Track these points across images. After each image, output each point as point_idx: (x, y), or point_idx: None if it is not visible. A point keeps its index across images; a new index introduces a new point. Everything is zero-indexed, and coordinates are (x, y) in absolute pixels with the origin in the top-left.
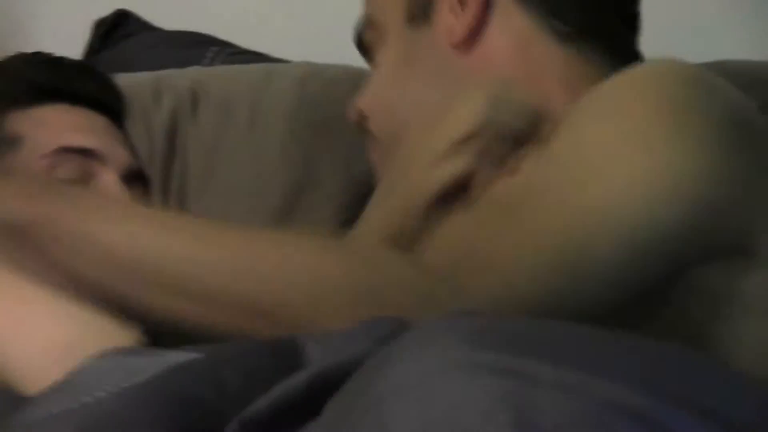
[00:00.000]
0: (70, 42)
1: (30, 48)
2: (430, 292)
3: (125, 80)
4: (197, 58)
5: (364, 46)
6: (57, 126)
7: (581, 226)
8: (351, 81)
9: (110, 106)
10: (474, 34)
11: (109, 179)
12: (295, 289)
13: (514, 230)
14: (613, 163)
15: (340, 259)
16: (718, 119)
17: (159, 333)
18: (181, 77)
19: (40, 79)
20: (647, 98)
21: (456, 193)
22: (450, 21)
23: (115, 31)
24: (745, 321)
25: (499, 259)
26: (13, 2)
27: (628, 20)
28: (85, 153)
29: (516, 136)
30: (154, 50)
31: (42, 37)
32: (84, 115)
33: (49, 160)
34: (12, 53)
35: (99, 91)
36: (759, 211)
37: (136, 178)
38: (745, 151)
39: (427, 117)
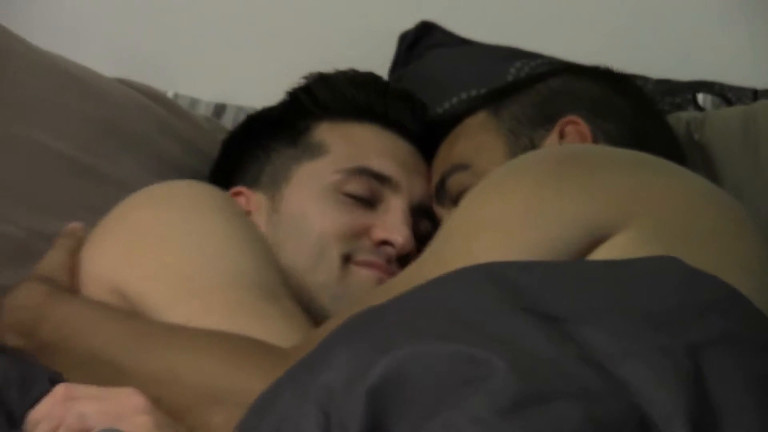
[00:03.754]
0: (376, 55)
1: (337, 62)
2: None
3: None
4: (502, 74)
5: (445, 188)
6: (363, 146)
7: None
8: None
9: (422, 136)
10: None
11: (397, 206)
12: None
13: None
14: None
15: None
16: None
17: None
18: None
19: (360, 98)
20: None
21: None
22: None
23: (419, 43)
24: None
25: None
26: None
27: None
28: (380, 179)
29: None
30: (458, 64)
31: (350, 51)
32: (392, 141)
33: (343, 175)
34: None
35: (413, 121)
36: None
37: (425, 215)
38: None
39: None
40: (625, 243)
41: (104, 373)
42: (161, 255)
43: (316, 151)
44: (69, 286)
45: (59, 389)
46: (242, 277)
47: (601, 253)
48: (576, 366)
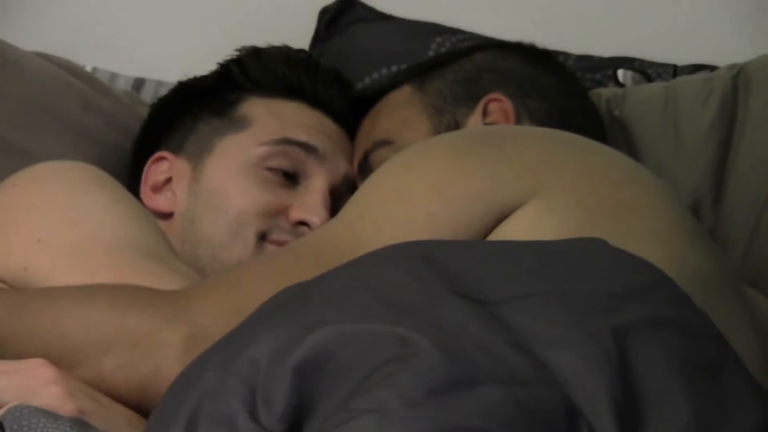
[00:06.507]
0: (296, 30)
1: (256, 37)
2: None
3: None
4: (423, 50)
5: (368, 164)
6: (288, 120)
7: None
8: None
9: (349, 117)
10: None
11: (317, 186)
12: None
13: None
14: None
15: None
16: None
17: None
18: None
19: (291, 76)
20: None
21: None
22: None
23: (340, 19)
24: None
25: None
26: None
27: None
28: (306, 149)
29: None
30: (379, 40)
31: (270, 26)
32: (318, 119)
33: (267, 148)
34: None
35: (341, 101)
36: None
37: (349, 192)
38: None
39: None
40: (530, 215)
41: None
42: (37, 232)
43: (240, 123)
44: None
45: None
46: (128, 241)
47: (507, 227)
48: (505, 351)
